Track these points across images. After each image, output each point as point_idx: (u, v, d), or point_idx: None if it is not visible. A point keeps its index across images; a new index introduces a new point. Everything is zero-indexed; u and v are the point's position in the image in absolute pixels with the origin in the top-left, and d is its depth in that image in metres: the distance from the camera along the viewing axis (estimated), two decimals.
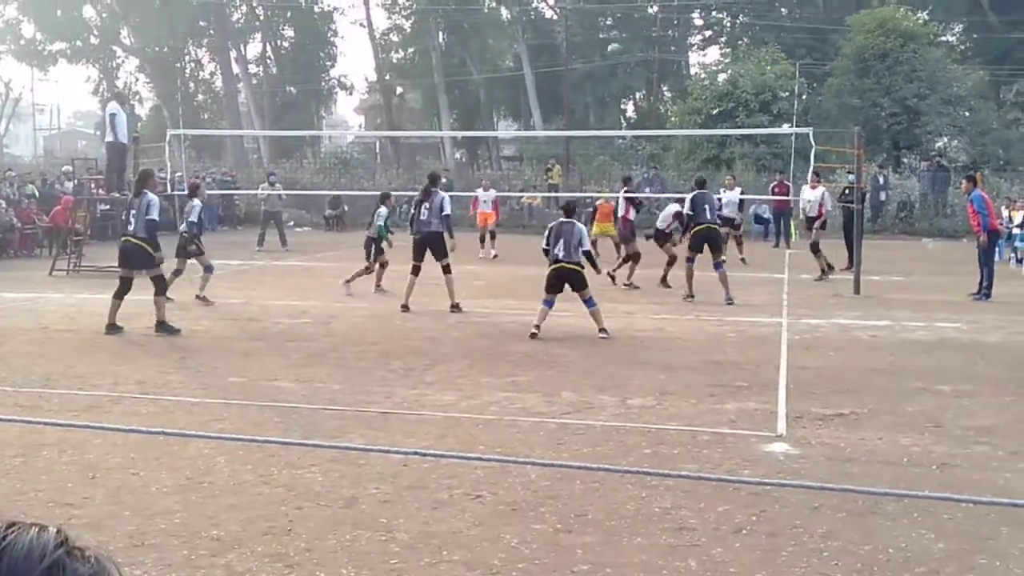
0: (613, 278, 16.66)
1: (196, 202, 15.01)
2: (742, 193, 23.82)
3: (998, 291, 15.15)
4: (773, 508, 5.76)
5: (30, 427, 7.43)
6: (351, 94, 53.47)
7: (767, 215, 28.44)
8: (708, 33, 49.44)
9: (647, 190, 28.96)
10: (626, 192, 18.47)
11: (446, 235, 13.69)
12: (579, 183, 33.65)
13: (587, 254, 11.99)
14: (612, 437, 7.30)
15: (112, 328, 11.72)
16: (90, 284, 16.69)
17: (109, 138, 18.87)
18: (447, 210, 13.79)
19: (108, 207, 23.53)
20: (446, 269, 13.59)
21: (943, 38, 40.61)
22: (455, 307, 13.46)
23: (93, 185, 22.65)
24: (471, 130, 45.80)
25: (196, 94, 50.74)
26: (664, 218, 17.40)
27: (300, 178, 34.97)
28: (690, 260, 14.97)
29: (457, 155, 46.17)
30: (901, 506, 5.80)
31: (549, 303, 11.78)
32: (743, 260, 20.71)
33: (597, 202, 20.50)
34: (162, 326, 11.74)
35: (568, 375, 9.52)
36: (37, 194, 24.35)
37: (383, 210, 15.79)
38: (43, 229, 22.99)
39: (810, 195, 18.60)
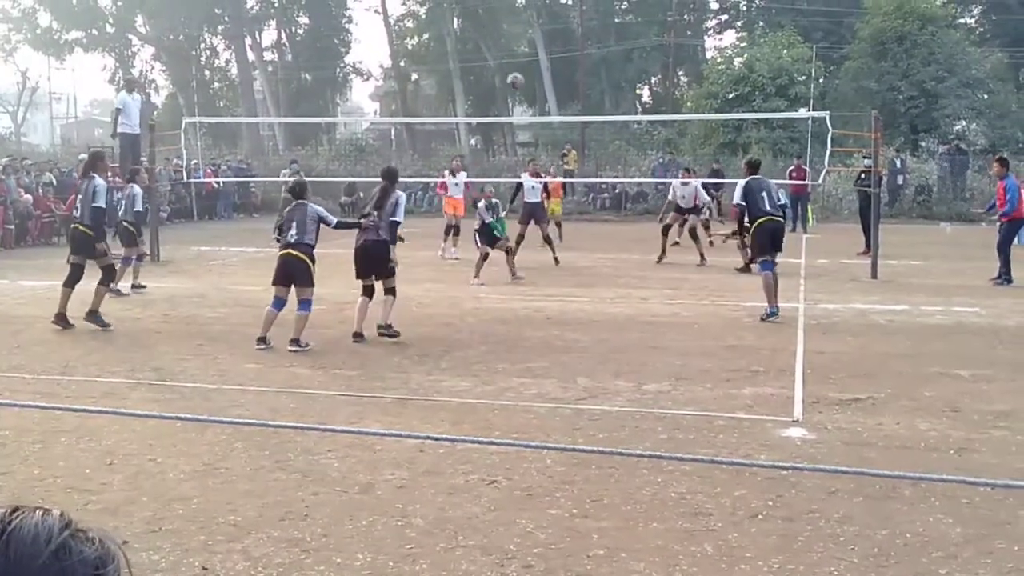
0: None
1: (138, 189, 14.81)
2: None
3: (1017, 275, 15.05)
4: (789, 493, 5.74)
5: (48, 414, 7.47)
6: (366, 81, 53.55)
7: (784, 199, 28.24)
8: (724, 17, 49.20)
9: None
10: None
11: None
12: (595, 168, 33.58)
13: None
14: (627, 422, 7.29)
15: (61, 319, 11.10)
16: None
17: (122, 129, 18.93)
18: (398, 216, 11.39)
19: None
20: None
21: (961, 20, 40.30)
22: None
23: (109, 174, 22.71)
24: (486, 116, 45.75)
25: (211, 82, 50.83)
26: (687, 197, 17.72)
27: (315, 165, 34.99)
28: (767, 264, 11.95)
29: (472, 141, 46.15)
30: (918, 490, 5.77)
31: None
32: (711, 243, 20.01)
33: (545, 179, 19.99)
34: (93, 316, 11.12)
35: (583, 361, 9.51)
36: (54, 182, 24.42)
37: (483, 204, 15.64)
38: (60, 217, 23.08)
39: (683, 191, 18.34)
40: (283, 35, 50.73)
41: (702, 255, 17.62)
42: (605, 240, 22.39)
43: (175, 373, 8.97)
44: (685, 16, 47.91)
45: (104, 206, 11.35)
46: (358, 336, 10.49)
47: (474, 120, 44.33)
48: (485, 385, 8.49)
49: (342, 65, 50.75)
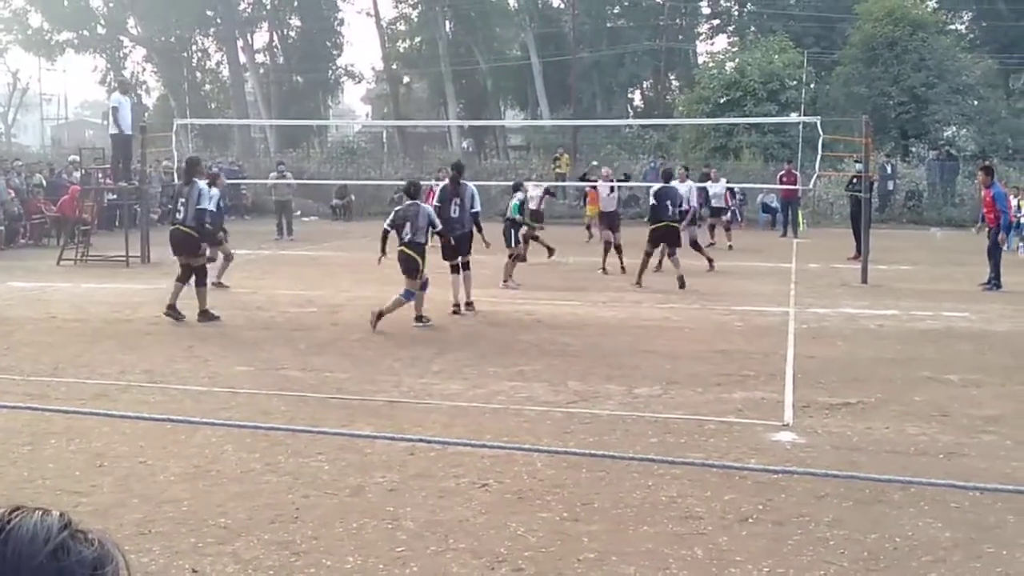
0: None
1: (215, 191, 15.00)
2: (728, 183, 23.85)
3: (1006, 280, 15.12)
4: (779, 497, 5.76)
5: (38, 415, 7.45)
6: (358, 83, 53.56)
7: (774, 204, 28.38)
8: (716, 22, 49.32)
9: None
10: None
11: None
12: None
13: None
14: (618, 426, 7.30)
15: (172, 310, 11.78)
16: (97, 273, 16.75)
17: (113, 130, 18.89)
18: (478, 206, 12.90)
19: (115, 197, 23.56)
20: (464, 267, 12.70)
21: (952, 26, 40.48)
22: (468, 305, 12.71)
23: (100, 175, 22.67)
24: (478, 119, 45.78)
25: (203, 83, 50.78)
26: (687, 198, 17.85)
27: (307, 167, 35.01)
28: (648, 254, 15.54)
29: (464, 144, 46.16)
30: (907, 495, 5.79)
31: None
32: (730, 247, 21.08)
33: (586, 187, 21.18)
34: (205, 315, 11.80)
35: (575, 364, 9.52)
36: (45, 184, 24.39)
37: (520, 195, 15.91)
38: (51, 219, 23.03)
39: (684, 189, 18.37)
40: (275, 37, 50.68)
41: (710, 261, 17.54)
42: (596, 243, 22.38)
43: (166, 375, 8.95)
44: (677, 21, 47.97)
45: (208, 207, 12.13)
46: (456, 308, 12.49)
47: (466, 123, 44.36)
48: (476, 388, 8.49)
49: (334, 68, 50.71)
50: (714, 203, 22.60)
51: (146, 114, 43.24)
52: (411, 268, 11.47)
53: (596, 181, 19.62)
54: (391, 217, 11.87)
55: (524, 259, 15.86)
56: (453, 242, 12.33)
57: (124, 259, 17.84)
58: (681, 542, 5.08)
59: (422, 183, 13.84)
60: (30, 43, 46.31)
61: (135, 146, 19.27)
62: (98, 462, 6.33)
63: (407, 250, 11.47)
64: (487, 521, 5.35)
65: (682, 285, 14.70)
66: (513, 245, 15.51)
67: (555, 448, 6.67)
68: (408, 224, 11.46)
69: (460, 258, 12.54)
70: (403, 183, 14.83)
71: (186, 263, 12.00)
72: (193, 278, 11.94)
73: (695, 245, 17.81)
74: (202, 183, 12.13)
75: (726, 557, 4.90)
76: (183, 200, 12.00)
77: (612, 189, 17.94)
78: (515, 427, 7.25)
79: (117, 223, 23.63)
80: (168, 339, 10.78)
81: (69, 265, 17.93)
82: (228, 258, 14.96)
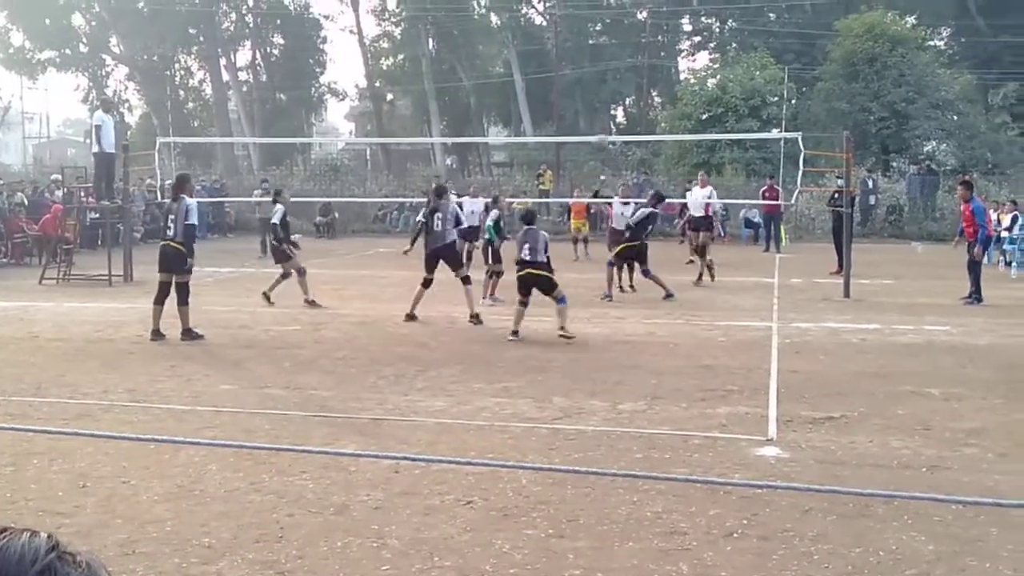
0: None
1: (279, 206, 15.17)
2: (709, 197, 23.09)
3: (987, 294, 15.21)
4: (764, 511, 5.77)
5: (20, 435, 7.41)
6: (341, 101, 53.54)
7: (757, 219, 28.52)
8: (697, 39, 49.60)
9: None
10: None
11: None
12: (569, 188, 33.70)
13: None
14: (603, 442, 7.31)
15: (156, 335, 11.79)
16: (80, 292, 16.68)
17: (96, 149, 18.83)
18: (463, 221, 13.86)
19: (98, 215, 23.47)
20: (465, 280, 13.37)
21: (931, 42, 40.83)
22: (474, 317, 13.11)
23: (83, 193, 22.59)
24: (461, 136, 45.87)
25: (186, 101, 50.70)
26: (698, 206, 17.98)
27: (290, 185, 34.81)
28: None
29: (448, 161, 46.20)
30: (891, 508, 5.82)
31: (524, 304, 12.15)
32: (691, 262, 19.88)
33: (570, 202, 21.40)
34: (188, 334, 11.80)
35: (559, 380, 9.53)
36: (26, 203, 24.27)
37: (495, 212, 15.75)
38: (33, 238, 22.93)
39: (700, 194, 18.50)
40: (258, 55, 50.67)
41: (700, 275, 17.65)
42: (580, 259, 22.42)
43: (149, 394, 8.91)
44: (659, 38, 48.24)
45: (196, 223, 12.45)
46: (411, 317, 13.19)
47: (449, 140, 44.43)
48: (461, 405, 8.49)
49: (317, 85, 50.73)
50: (693, 213, 21.13)
51: (129, 132, 43.16)
52: (544, 282, 12.05)
53: (611, 197, 19.69)
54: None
55: (502, 273, 15.73)
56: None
57: (107, 278, 17.76)
58: (666, 558, 5.09)
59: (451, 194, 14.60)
60: (12, 62, 46.21)
61: (118, 164, 19.22)
62: (81, 482, 6.30)
63: (534, 271, 12.03)
64: (472, 539, 5.35)
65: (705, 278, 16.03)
66: (491, 262, 15.45)
67: (539, 465, 6.67)
68: (527, 246, 12.05)
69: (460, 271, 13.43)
70: (422, 198, 15.38)
71: (166, 280, 11.93)
72: (175, 297, 11.89)
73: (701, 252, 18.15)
74: (190, 200, 12.15)
75: (711, 572, 4.91)
76: (172, 216, 12.03)
77: (626, 204, 17.51)
78: (500, 444, 7.25)
79: (100, 242, 23.53)
80: (151, 358, 10.74)
81: (51, 284, 17.84)
82: (301, 272, 14.83)
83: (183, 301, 11.94)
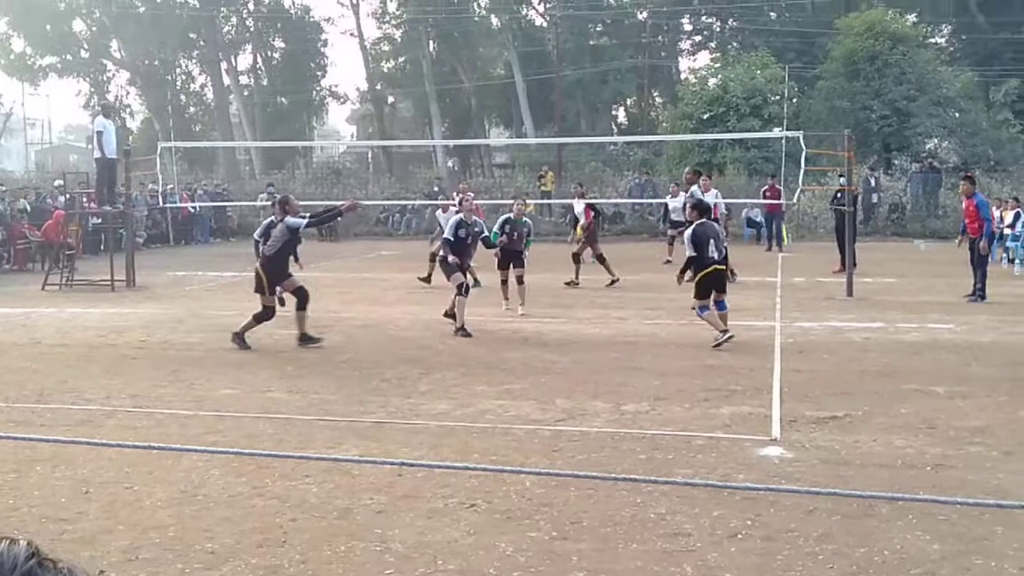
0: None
1: (456, 216, 13.95)
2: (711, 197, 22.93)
3: (990, 291, 15.18)
4: (768, 512, 5.76)
5: (23, 441, 7.40)
6: (343, 104, 53.61)
7: (759, 218, 28.51)
8: (698, 38, 49.57)
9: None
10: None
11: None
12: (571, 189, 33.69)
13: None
14: (607, 443, 7.30)
15: (306, 338, 11.63)
16: (83, 298, 16.68)
17: (97, 155, 18.85)
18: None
19: (100, 221, 23.51)
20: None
21: (932, 40, 40.82)
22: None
23: (85, 199, 22.63)
24: (463, 138, 45.90)
25: (187, 106, 50.80)
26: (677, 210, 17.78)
27: (292, 188, 34.86)
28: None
29: (449, 163, 46.24)
30: (896, 508, 5.80)
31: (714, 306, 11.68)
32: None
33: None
34: (305, 339, 11.65)
35: (562, 382, 9.52)
36: (29, 209, 24.30)
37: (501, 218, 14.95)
38: (35, 244, 22.95)
39: (675, 203, 18.08)
40: (259, 59, 50.76)
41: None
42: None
43: (152, 399, 8.91)
44: (659, 38, 48.25)
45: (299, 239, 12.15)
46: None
47: (451, 142, 44.44)
48: (464, 408, 8.48)
49: (318, 88, 50.81)
50: (674, 216, 21.00)
51: (130, 137, 43.21)
52: (722, 279, 11.65)
53: (596, 198, 19.77)
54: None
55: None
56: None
57: (109, 283, 17.77)
58: (670, 559, 5.07)
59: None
60: (13, 68, 46.28)
61: (120, 170, 19.24)
62: (84, 488, 6.29)
63: (719, 266, 11.55)
64: (476, 542, 5.34)
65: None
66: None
67: (543, 468, 6.66)
68: (712, 243, 11.45)
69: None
70: (425, 200, 14.88)
71: (290, 290, 11.73)
72: (295, 302, 11.72)
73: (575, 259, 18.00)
74: (291, 218, 11.73)
75: (716, 574, 4.90)
76: (275, 232, 11.71)
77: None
78: (503, 446, 7.24)
79: (102, 247, 23.55)
80: (154, 363, 10.74)
81: (54, 290, 17.85)
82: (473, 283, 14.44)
83: (301, 306, 11.75)
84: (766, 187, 25.85)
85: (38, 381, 9.75)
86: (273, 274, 11.72)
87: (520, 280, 14.42)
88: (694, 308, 11.74)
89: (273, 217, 12.82)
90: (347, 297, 16.41)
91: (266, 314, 11.69)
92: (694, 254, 11.46)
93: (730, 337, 11.23)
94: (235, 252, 25.17)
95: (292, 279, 11.90)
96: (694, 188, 13.68)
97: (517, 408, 8.44)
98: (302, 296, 11.76)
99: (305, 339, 11.67)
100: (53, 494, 6.20)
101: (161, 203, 25.48)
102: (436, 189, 31.63)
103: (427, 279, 17.24)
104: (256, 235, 13.05)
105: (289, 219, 11.73)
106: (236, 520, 5.69)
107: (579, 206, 19.62)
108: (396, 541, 5.34)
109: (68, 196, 24.63)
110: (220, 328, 12.99)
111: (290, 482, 6.38)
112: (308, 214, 12.76)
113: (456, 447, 7.23)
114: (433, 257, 16.49)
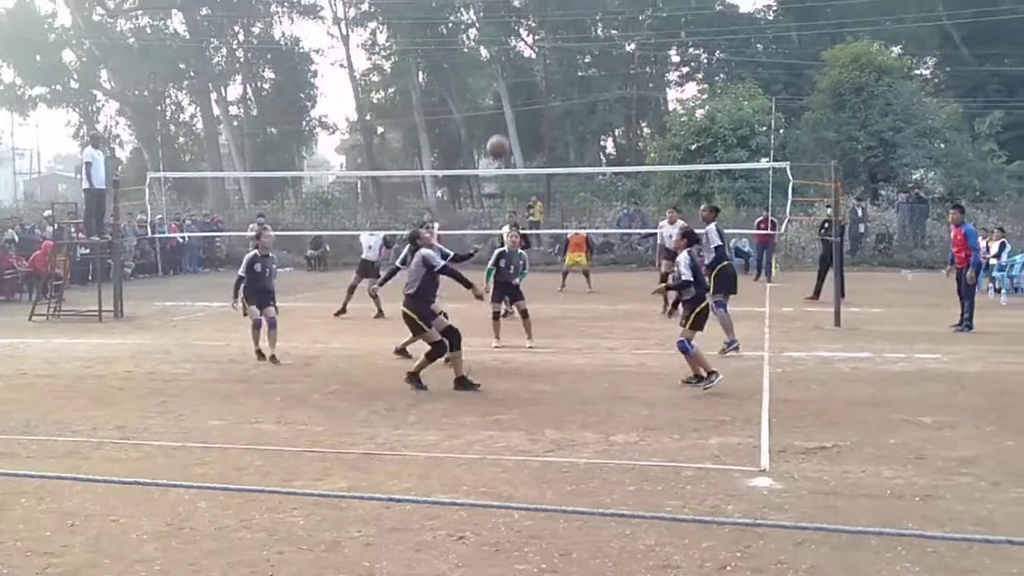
0: None
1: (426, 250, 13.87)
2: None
3: (977, 321, 15.25)
4: (757, 543, 5.74)
5: (8, 476, 7.34)
6: (332, 134, 53.79)
7: (747, 248, 28.63)
8: (685, 69, 50.02)
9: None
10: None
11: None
12: (560, 220, 33.82)
13: None
14: (596, 474, 7.28)
15: (463, 382, 10.76)
16: (70, 329, 16.62)
17: (86, 185, 18.84)
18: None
19: (88, 251, 23.45)
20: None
21: (917, 72, 41.23)
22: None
23: (73, 229, 22.59)
24: (452, 168, 46.06)
25: (177, 136, 50.88)
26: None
27: (281, 219, 35.01)
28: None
29: (438, 193, 46.42)
30: (884, 540, 5.79)
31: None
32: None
33: (568, 234, 21.23)
34: (462, 382, 10.79)
35: (551, 412, 9.50)
36: (17, 239, 24.22)
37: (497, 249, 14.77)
38: (23, 274, 22.87)
39: (670, 231, 17.78)
40: (249, 90, 50.90)
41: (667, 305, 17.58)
42: (571, 290, 22.45)
43: (139, 431, 8.86)
44: (647, 69, 48.61)
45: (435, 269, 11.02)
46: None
47: (440, 172, 44.61)
48: (452, 439, 8.46)
49: (308, 119, 50.95)
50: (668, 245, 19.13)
51: (119, 168, 43.22)
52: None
53: (528, 229, 19.52)
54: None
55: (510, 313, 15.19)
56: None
57: (97, 314, 17.72)
58: None
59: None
60: (2, 98, 46.37)
61: (108, 200, 19.22)
62: (69, 521, 6.24)
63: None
64: (464, 574, 5.31)
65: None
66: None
67: (532, 500, 6.63)
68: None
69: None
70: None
71: (440, 331, 10.88)
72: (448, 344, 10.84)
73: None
74: (425, 250, 11.07)
75: None
76: (411, 268, 11.12)
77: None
78: (492, 477, 7.22)
79: (90, 277, 23.48)
80: (141, 394, 10.69)
81: (41, 320, 17.78)
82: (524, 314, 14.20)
83: (455, 347, 10.90)
84: (760, 219, 25.99)
85: (24, 412, 9.69)
86: (421, 313, 10.90)
87: (525, 314, 14.14)
88: (681, 341, 10.85)
89: (256, 251, 12.84)
90: (335, 327, 16.39)
91: (437, 350, 10.82)
92: (691, 279, 10.88)
93: (718, 379, 10.58)
94: (224, 282, 25.06)
95: (441, 319, 11.12)
96: (710, 227, 13.15)
97: (506, 439, 8.43)
98: (454, 338, 10.85)
99: (463, 384, 10.76)
100: (38, 527, 6.15)
101: (150, 233, 25.44)
102: (426, 219, 31.64)
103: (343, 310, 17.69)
104: (240, 271, 13.01)
105: (425, 251, 11.02)
106: (223, 553, 5.65)
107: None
108: (384, 574, 5.31)
109: (56, 226, 24.59)
110: (208, 358, 12.95)
111: (277, 514, 6.34)
112: (450, 253, 12.73)
113: (444, 479, 7.20)
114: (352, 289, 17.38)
